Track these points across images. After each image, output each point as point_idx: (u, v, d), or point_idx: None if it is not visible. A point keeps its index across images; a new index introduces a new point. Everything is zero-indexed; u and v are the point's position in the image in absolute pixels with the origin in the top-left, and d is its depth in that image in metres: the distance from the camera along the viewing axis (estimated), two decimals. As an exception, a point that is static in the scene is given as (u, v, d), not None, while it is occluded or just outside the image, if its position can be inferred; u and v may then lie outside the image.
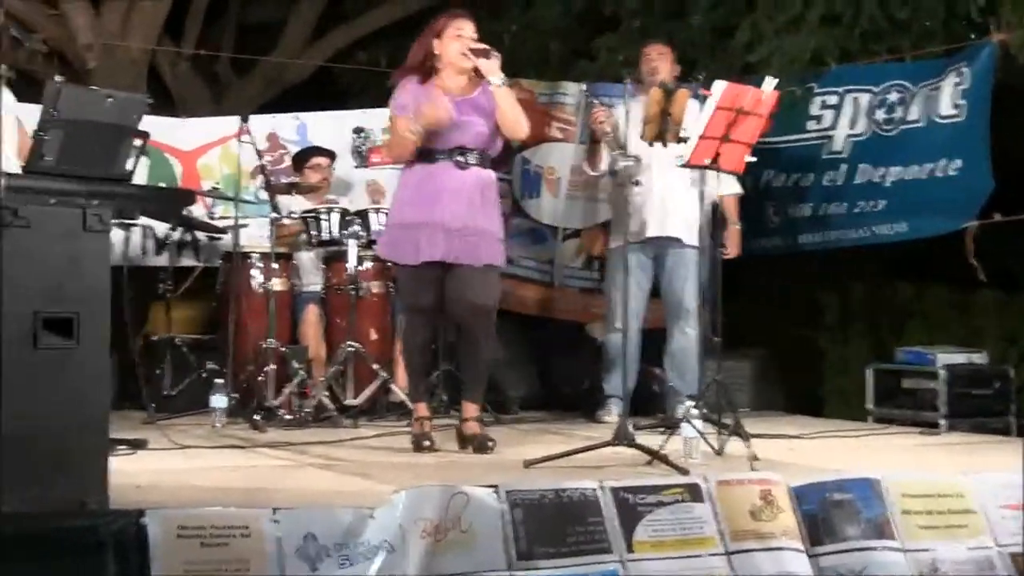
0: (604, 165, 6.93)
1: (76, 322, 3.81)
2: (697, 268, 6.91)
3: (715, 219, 6.87)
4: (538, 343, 8.33)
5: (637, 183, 6.34)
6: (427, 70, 5.61)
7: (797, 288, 8.38)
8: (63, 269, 3.83)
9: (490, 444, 5.56)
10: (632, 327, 6.83)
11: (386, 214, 6.91)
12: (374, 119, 8.21)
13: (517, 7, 10.02)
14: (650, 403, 7.10)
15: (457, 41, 5.56)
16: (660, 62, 6.99)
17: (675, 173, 6.57)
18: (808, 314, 8.14)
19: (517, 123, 5.64)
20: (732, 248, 6.95)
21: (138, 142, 5.07)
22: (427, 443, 5.54)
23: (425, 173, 5.52)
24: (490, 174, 5.64)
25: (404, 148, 5.55)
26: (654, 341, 7.10)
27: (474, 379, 5.74)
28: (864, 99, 7.52)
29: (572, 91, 8.29)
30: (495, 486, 4.03)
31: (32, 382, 3.67)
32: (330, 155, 7.72)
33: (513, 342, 8.08)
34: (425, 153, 5.52)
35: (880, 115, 7.45)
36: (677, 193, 6.82)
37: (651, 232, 6.91)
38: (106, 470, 3.87)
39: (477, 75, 5.62)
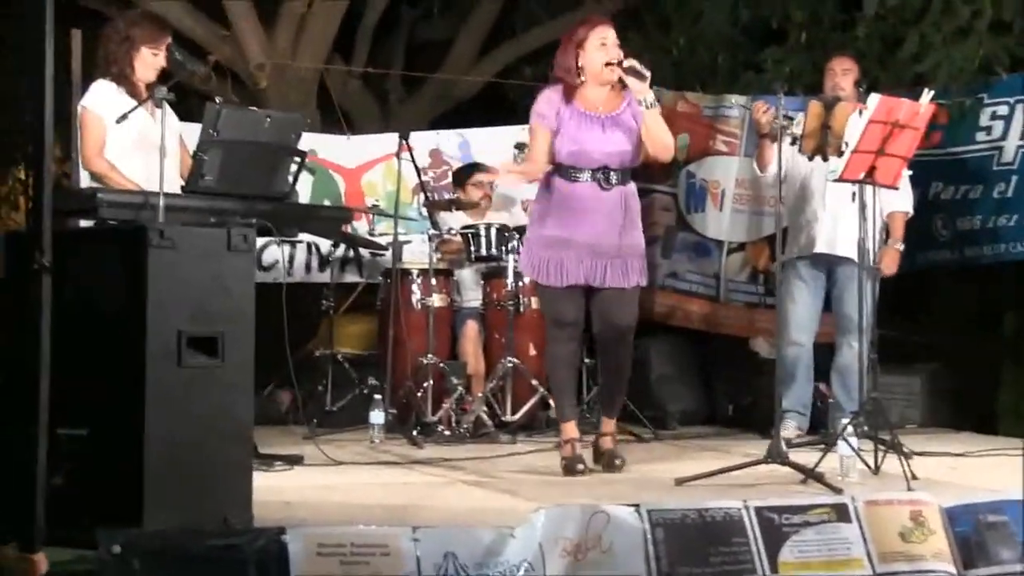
0: (774, 165, 6.75)
1: (220, 341, 3.89)
2: (869, 285, 6.70)
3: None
4: (701, 358, 8.23)
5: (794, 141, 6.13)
6: (571, 81, 5.50)
7: (972, 301, 8.09)
8: (208, 288, 3.91)
9: (617, 462, 5.51)
10: (803, 341, 6.68)
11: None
12: (536, 134, 8.21)
13: (685, 20, 9.92)
14: (814, 419, 6.91)
15: (601, 51, 5.42)
16: (844, 79, 6.73)
17: (844, 190, 6.32)
18: (984, 328, 7.83)
19: (665, 147, 5.53)
20: (886, 266, 6.69)
21: (297, 161, 5.22)
22: (580, 467, 5.43)
23: (568, 191, 5.44)
24: (631, 187, 5.55)
25: (529, 174, 5.58)
26: (825, 356, 6.91)
27: (613, 394, 5.71)
28: (1036, 108, 7.24)
29: (737, 104, 8.15)
30: (637, 505, 3.97)
31: (176, 400, 3.77)
32: (490, 171, 7.72)
33: (676, 357, 8.01)
34: (567, 170, 5.45)
35: (1052, 125, 7.17)
36: (846, 211, 6.57)
37: (819, 248, 6.73)
38: (250, 487, 3.94)
39: (621, 86, 5.51)
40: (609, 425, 5.65)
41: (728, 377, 7.93)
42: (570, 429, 5.57)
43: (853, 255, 6.51)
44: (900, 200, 6.63)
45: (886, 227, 6.72)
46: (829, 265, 6.77)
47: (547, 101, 5.49)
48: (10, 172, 13.18)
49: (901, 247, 6.78)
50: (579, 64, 5.45)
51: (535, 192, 7.19)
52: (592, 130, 5.43)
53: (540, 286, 5.57)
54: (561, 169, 5.46)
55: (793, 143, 5.86)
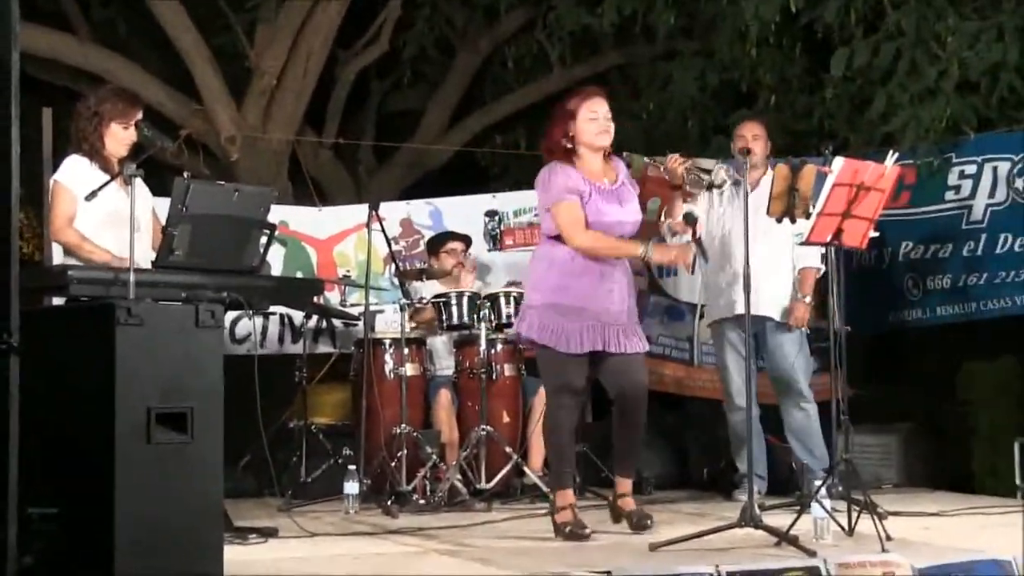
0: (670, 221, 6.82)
1: (190, 417, 3.91)
2: (799, 344, 6.81)
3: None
4: (674, 422, 8.25)
5: (736, 182, 6.18)
6: (566, 153, 5.55)
7: (944, 360, 8.15)
8: (177, 365, 3.94)
9: (648, 522, 5.50)
10: (740, 404, 6.72)
11: (515, 297, 6.98)
12: (506, 202, 8.33)
13: (654, 85, 10.05)
14: (788, 481, 6.94)
15: (592, 123, 5.51)
16: (755, 144, 6.84)
17: (762, 250, 6.34)
18: (956, 387, 7.89)
19: None
20: (796, 320, 6.79)
21: (267, 233, 5.26)
22: (587, 530, 5.41)
23: (583, 262, 5.47)
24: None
25: (611, 252, 5.50)
26: (776, 416, 6.97)
27: (629, 456, 5.73)
28: (1004, 167, 7.35)
29: (708, 167, 8.21)
30: (609, 572, 3.98)
31: (146, 477, 3.78)
32: (464, 239, 7.78)
33: (649, 421, 7.95)
34: None
35: (1020, 184, 7.27)
36: (764, 270, 6.62)
37: (739, 310, 6.77)
38: (221, 563, 3.94)
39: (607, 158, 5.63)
40: (626, 485, 5.67)
41: (702, 441, 7.95)
42: (568, 495, 5.57)
43: (773, 314, 6.73)
44: (812, 257, 6.75)
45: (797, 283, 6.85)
46: (753, 326, 6.81)
47: (567, 176, 5.49)
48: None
49: (810, 301, 6.87)
50: (570, 134, 5.52)
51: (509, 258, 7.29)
52: (611, 202, 5.51)
53: (550, 353, 5.51)
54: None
55: (709, 189, 5.96)
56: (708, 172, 5.84)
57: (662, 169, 5.86)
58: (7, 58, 3.46)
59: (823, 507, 5.16)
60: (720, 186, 5.90)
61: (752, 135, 6.91)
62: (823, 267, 6.82)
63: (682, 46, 9.80)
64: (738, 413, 6.70)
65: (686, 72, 9.57)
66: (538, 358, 5.66)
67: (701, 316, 8.16)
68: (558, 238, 5.52)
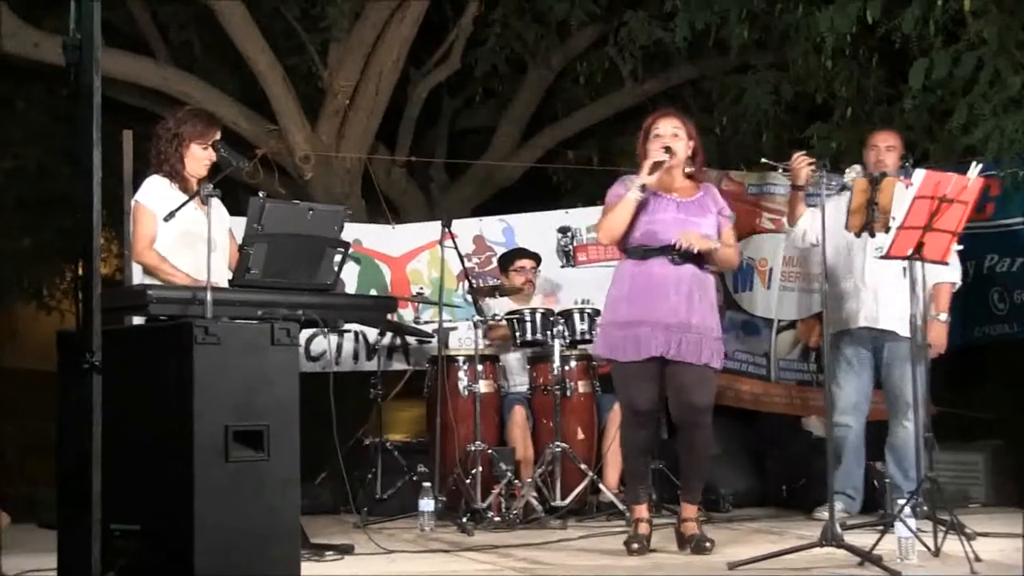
0: (803, 220, 6.74)
1: (266, 434, 3.94)
2: (920, 360, 6.64)
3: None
4: (753, 438, 8.18)
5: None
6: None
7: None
8: (253, 382, 3.97)
9: (707, 545, 5.45)
10: (849, 422, 6.65)
11: (589, 313, 7.00)
12: (579, 218, 8.32)
13: (728, 99, 10.01)
14: (871, 499, 6.85)
15: (654, 142, 5.54)
16: (888, 155, 6.69)
17: (886, 262, 6.25)
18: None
19: (728, 260, 5.67)
20: (933, 340, 6.47)
21: (341, 251, 5.30)
22: (636, 546, 5.45)
23: (639, 270, 5.50)
24: (707, 274, 5.61)
25: (616, 220, 5.50)
26: (881, 434, 6.85)
27: (692, 478, 5.66)
28: (1091, 176, 7.20)
29: (782, 181, 8.16)
30: (687, 592, 3.96)
31: (223, 495, 3.81)
32: (534, 257, 7.79)
33: (727, 437, 7.94)
34: (638, 249, 5.52)
35: (1108, 193, 7.13)
36: (889, 284, 6.53)
37: (861, 323, 6.68)
38: (298, 579, 3.97)
39: (694, 178, 5.63)
40: (691, 510, 5.62)
41: (781, 457, 7.88)
42: (641, 510, 5.61)
43: (898, 329, 6.48)
44: (947, 271, 6.49)
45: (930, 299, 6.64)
46: (875, 341, 6.72)
47: (622, 185, 5.58)
48: (70, 268, 13.51)
49: (946, 319, 6.68)
50: (645, 155, 5.57)
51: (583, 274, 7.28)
52: (666, 210, 5.52)
53: (616, 366, 5.54)
54: (633, 250, 5.54)
55: (841, 191, 5.85)
56: (840, 173, 5.78)
57: (780, 171, 5.82)
58: (89, 83, 3.52)
59: (908, 526, 5.08)
60: (851, 188, 5.77)
61: (886, 145, 6.73)
62: (959, 281, 6.73)
63: (756, 59, 9.75)
64: (839, 430, 6.58)
65: (760, 86, 9.52)
66: (612, 375, 5.69)
67: (778, 331, 8.11)
68: (627, 252, 5.55)
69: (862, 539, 5.12)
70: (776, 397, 8.14)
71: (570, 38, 10.67)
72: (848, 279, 6.69)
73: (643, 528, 5.55)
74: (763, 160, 6.22)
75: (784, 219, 7.99)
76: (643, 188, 5.46)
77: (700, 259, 5.55)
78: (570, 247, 8.27)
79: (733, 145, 9.86)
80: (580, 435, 7.15)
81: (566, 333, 7.06)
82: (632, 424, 5.57)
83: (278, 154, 9.78)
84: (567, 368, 7.13)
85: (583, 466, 6.89)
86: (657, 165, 5.46)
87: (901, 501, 5.43)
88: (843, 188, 5.80)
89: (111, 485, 3.46)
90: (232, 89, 10.26)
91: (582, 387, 7.20)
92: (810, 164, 6.07)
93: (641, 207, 5.49)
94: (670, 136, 5.55)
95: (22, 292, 12.45)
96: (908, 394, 6.55)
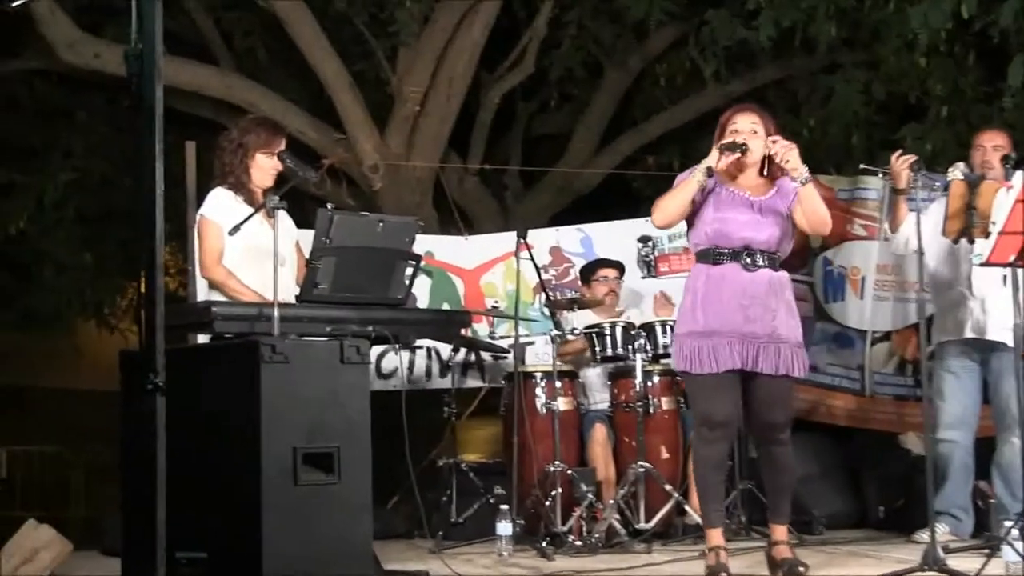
0: (905, 226, 6.56)
1: (336, 456, 3.95)
2: None
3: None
4: (847, 456, 8.08)
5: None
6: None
7: None
8: (322, 403, 3.98)
9: (801, 569, 5.35)
10: (955, 437, 6.53)
11: (671, 326, 6.93)
12: (661, 226, 8.24)
13: (815, 100, 9.93)
14: (977, 521, 6.72)
15: (730, 138, 5.41)
16: (994, 155, 6.49)
17: (993, 269, 6.11)
18: None
19: (823, 221, 5.44)
20: None
21: (412, 264, 5.31)
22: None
23: (712, 276, 5.38)
24: (783, 275, 5.47)
25: (674, 200, 5.36)
26: (987, 452, 6.72)
27: (779, 497, 5.55)
28: None
29: (874, 185, 8.05)
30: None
31: (293, 520, 3.82)
32: (618, 267, 7.75)
33: (820, 456, 7.88)
34: (709, 252, 5.43)
35: None
36: (997, 293, 6.39)
37: (968, 333, 6.56)
38: (371, 608, 3.96)
39: (768, 175, 5.51)
40: (781, 532, 5.51)
41: (877, 477, 7.76)
42: (716, 536, 5.44)
43: (1007, 340, 6.34)
44: None
45: None
46: (982, 352, 6.59)
47: (690, 172, 5.44)
48: (132, 286, 13.70)
49: None
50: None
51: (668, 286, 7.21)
52: (738, 209, 5.39)
53: (691, 379, 5.43)
54: (704, 253, 5.43)
55: (946, 190, 5.73)
56: (941, 174, 5.67)
57: (880, 175, 5.70)
58: (151, 94, 3.55)
59: (1016, 550, 4.97)
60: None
61: (993, 145, 6.56)
62: None
63: (844, 58, 9.66)
64: (944, 446, 6.47)
65: (849, 85, 9.43)
66: (686, 388, 5.61)
67: (872, 343, 8.01)
68: (698, 256, 5.46)
69: (967, 563, 5.02)
70: (872, 413, 8.02)
71: (649, 38, 10.63)
72: (954, 288, 6.57)
73: (723, 556, 5.39)
74: (861, 166, 6.12)
75: (878, 225, 7.92)
76: (710, 173, 5.32)
77: (779, 267, 5.47)
78: (651, 257, 8.23)
79: (822, 148, 9.76)
80: (664, 454, 7.08)
81: (648, 347, 7.01)
82: (706, 438, 5.43)
83: (346, 164, 9.84)
84: (650, 384, 7.08)
85: (668, 487, 6.83)
86: (729, 149, 5.30)
87: (1008, 523, 5.33)
88: (947, 189, 5.67)
89: (177, 510, 3.48)
90: (298, 97, 10.35)
91: (666, 403, 7.14)
92: (909, 163, 5.94)
93: (711, 202, 5.39)
94: (748, 132, 5.42)
95: (83, 310, 12.59)
96: (1015, 409, 6.42)
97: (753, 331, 5.32)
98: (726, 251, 5.38)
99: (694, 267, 5.51)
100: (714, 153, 5.31)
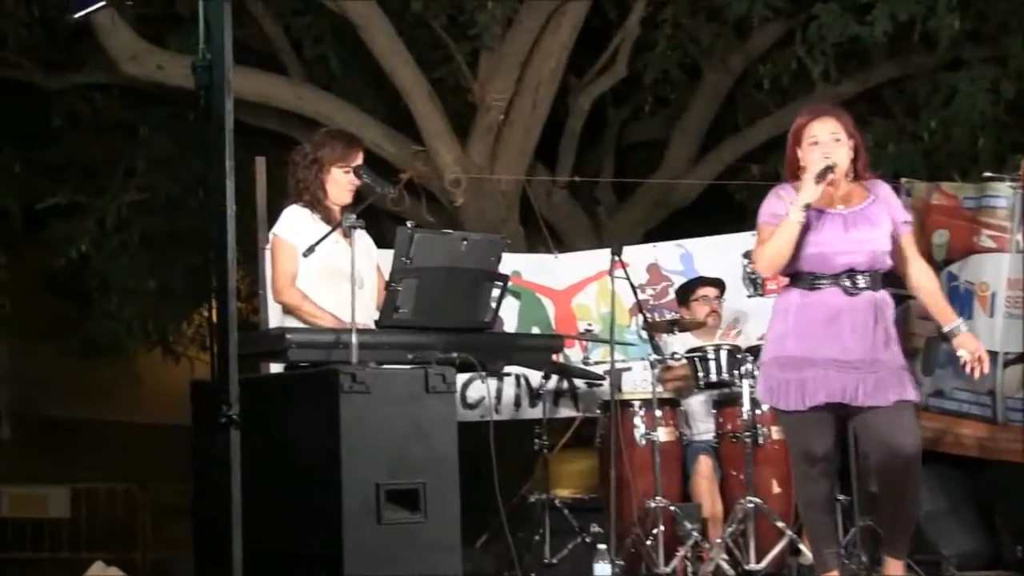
0: None
1: (422, 493, 3.96)
2: None
3: None
4: (978, 490, 7.96)
5: None
6: (793, 178, 5.40)
7: None
8: (406, 435, 4.00)
9: None
10: None
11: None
12: (767, 240, 8.20)
13: (937, 101, 9.83)
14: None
15: (813, 150, 5.30)
16: None
17: None
18: None
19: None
20: None
21: (499, 286, 5.32)
22: None
23: (806, 301, 5.31)
24: (884, 296, 5.40)
25: (780, 247, 5.26)
26: None
27: (896, 532, 5.48)
28: None
29: (1004, 192, 7.94)
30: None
31: (376, 561, 3.84)
32: (718, 285, 7.73)
33: (947, 489, 7.79)
34: (806, 277, 5.35)
35: None
36: None
37: None
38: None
39: (856, 176, 5.44)
40: (896, 567, 5.44)
41: (1014, 512, 7.65)
42: None
43: None
44: None
45: None
46: None
47: (778, 199, 5.38)
48: (198, 310, 13.87)
49: None
50: (800, 163, 5.36)
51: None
52: (833, 230, 5.31)
53: (781, 414, 5.43)
54: (799, 277, 5.36)
55: None
56: None
57: (1006, 182, 5.60)
58: (221, 108, 3.59)
59: None
60: None
61: None
62: None
63: (969, 54, 9.56)
64: None
65: (974, 84, 9.33)
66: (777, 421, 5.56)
67: (1004, 365, 7.89)
68: (792, 279, 5.39)
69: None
70: (1006, 442, 7.89)
71: (751, 36, 10.59)
72: None
73: None
74: (987, 173, 6.05)
75: (1009, 236, 7.82)
76: (807, 207, 5.22)
77: (880, 284, 5.37)
78: (757, 274, 8.18)
79: (944, 153, 9.67)
80: (776, 488, 7.02)
81: (756, 372, 6.96)
82: (808, 477, 5.40)
83: (425, 178, 9.89)
84: (758, 412, 7.02)
85: (780, 524, 6.77)
86: (821, 177, 5.20)
87: None
88: None
89: (252, 550, 3.51)
90: (373, 107, 10.44)
91: (776, 433, 7.06)
92: None
93: (804, 226, 5.32)
94: (830, 142, 5.30)
95: (146, 338, 12.76)
96: None
97: (851, 360, 5.25)
98: (825, 277, 5.33)
99: (785, 292, 5.44)
100: (810, 188, 5.18)
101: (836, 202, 5.35)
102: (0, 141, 11.72)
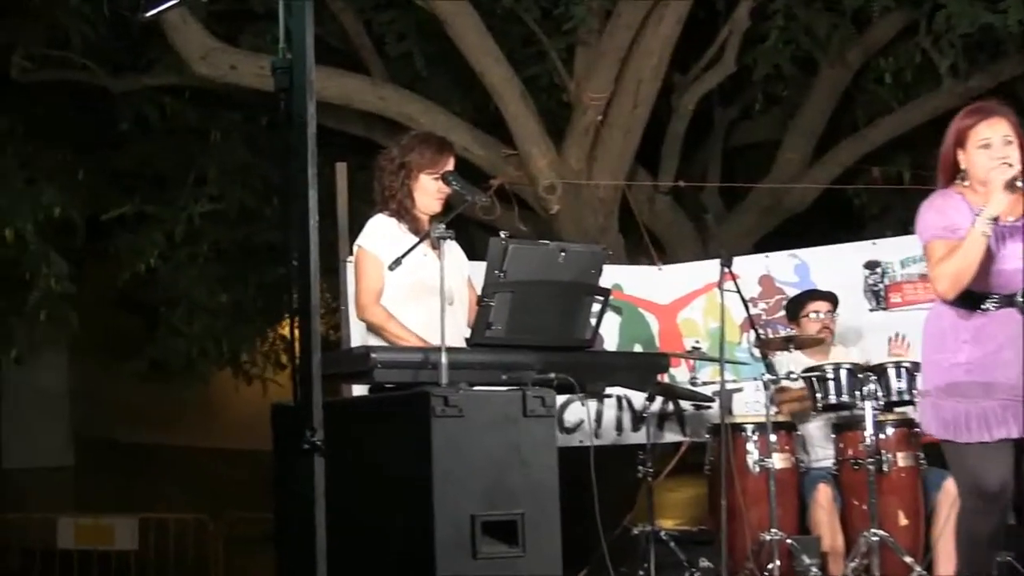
0: None
1: (520, 525, 3.97)
2: None
3: None
4: None
5: None
6: (946, 183, 5.32)
7: None
8: (502, 462, 4.01)
9: None
10: None
11: (907, 368, 6.83)
12: (890, 250, 8.15)
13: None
14: None
15: (983, 154, 5.18)
16: None
17: None
18: None
19: None
20: None
21: (599, 300, 5.32)
22: None
23: (980, 323, 5.22)
24: None
25: (968, 264, 5.10)
26: None
27: None
28: None
29: None
30: None
31: (472, 598, 3.85)
32: (830, 299, 7.67)
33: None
34: (975, 297, 5.23)
35: None
36: None
37: None
38: None
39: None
40: None
41: None
42: None
43: None
44: None
45: None
46: None
47: (953, 210, 5.22)
48: (273, 328, 13.97)
49: None
50: (961, 166, 5.28)
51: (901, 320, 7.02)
52: (1009, 242, 5.20)
53: (955, 446, 5.29)
54: (965, 297, 5.24)
55: None
56: None
57: None
58: (302, 110, 3.61)
59: None
60: None
61: None
62: None
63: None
64: None
65: None
66: (944, 452, 5.45)
67: None
68: (958, 298, 5.24)
69: None
70: None
71: (871, 28, 10.50)
72: None
73: None
74: None
75: None
76: (996, 221, 5.07)
77: None
78: (880, 286, 8.13)
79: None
80: (902, 519, 6.97)
81: (879, 393, 6.91)
82: (978, 512, 5.29)
83: (518, 184, 9.91)
84: (882, 436, 6.98)
85: (908, 558, 6.72)
86: (1012, 186, 5.05)
87: None
88: None
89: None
90: (461, 109, 10.47)
91: (902, 460, 7.03)
92: None
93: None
94: (1002, 145, 5.19)
95: (218, 356, 12.84)
96: None
97: None
98: (998, 295, 5.24)
99: (940, 310, 5.33)
100: (999, 198, 5.04)
101: (1007, 211, 5.21)
102: (63, 147, 11.87)
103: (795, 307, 7.73)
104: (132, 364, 13.35)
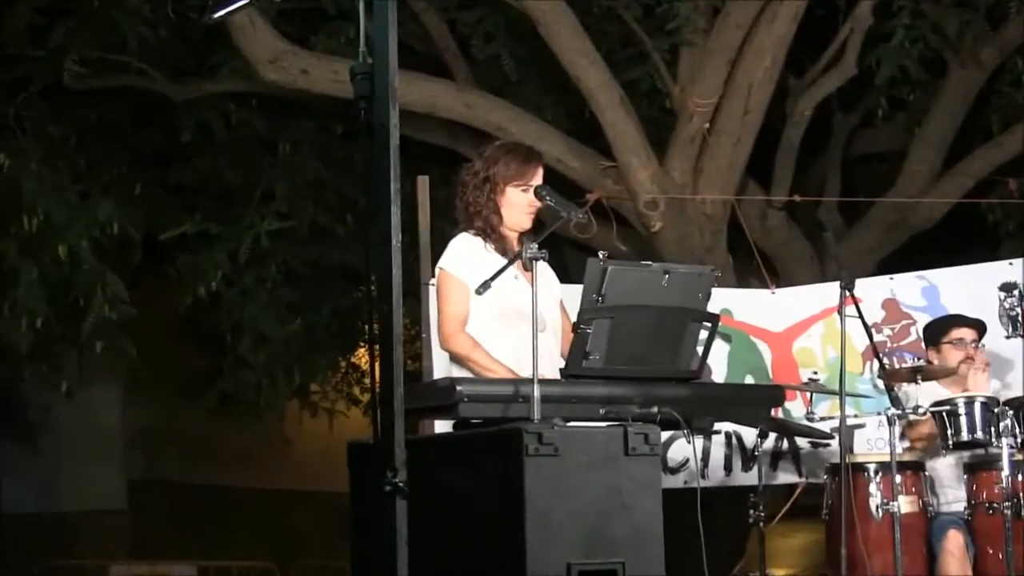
0: None
1: (622, 574, 3.98)
2: None
3: None
4: None
5: None
6: None
7: None
8: (602, 506, 4.02)
9: None
10: None
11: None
12: (1035, 270, 8.10)
13: None
14: None
15: None
16: None
17: None
18: None
19: None
20: None
21: (707, 327, 5.33)
22: None
23: None
24: None
25: None
26: None
27: None
28: None
29: None
30: None
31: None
32: (978, 327, 7.61)
33: None
34: None
35: None
36: None
37: None
38: None
39: None
40: None
41: None
42: None
43: None
44: None
45: None
46: None
47: None
48: (345, 358, 13.98)
49: None
50: None
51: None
52: None
53: None
54: None
55: None
56: None
57: None
58: (384, 120, 3.65)
59: None
60: None
61: None
62: None
63: None
64: None
65: None
66: None
67: None
68: None
69: None
70: None
71: (1007, 25, 10.43)
72: None
73: None
74: None
75: None
76: None
77: None
78: (1017, 310, 8.06)
79: None
80: (1043, 569, 6.94)
81: (1017, 430, 6.86)
82: None
83: (616, 198, 9.92)
84: (1020, 478, 6.93)
85: (1049, 615, 6.68)
86: None
87: None
88: None
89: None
90: (554, 117, 10.49)
91: (1042, 505, 6.99)
92: None
93: None
94: None
95: (288, 388, 12.81)
96: None
97: None
98: None
99: None
100: None
101: None
102: (119, 160, 11.96)
103: (936, 332, 7.67)
104: (204, 399, 13.29)
